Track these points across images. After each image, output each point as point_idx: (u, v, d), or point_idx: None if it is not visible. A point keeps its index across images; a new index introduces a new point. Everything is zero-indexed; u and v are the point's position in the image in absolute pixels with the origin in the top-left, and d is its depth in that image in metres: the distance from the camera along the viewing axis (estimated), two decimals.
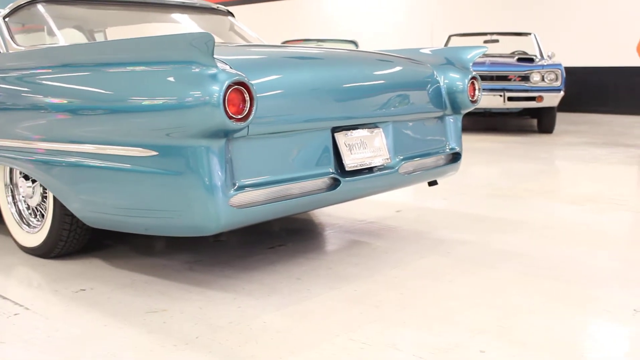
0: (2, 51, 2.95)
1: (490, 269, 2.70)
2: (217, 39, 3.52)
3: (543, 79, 7.88)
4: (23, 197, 2.95)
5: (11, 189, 3.00)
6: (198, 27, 3.81)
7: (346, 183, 2.57)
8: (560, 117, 10.35)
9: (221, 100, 2.03)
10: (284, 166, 2.41)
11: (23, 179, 2.92)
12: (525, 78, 7.90)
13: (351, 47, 9.73)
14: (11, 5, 3.04)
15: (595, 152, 6.37)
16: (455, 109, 3.15)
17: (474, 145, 7.03)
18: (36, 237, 2.84)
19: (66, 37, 3.08)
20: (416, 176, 2.94)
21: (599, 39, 11.50)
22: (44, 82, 2.55)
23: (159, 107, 2.12)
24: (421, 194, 4.29)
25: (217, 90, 2.03)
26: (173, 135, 2.13)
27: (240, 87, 2.10)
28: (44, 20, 3.12)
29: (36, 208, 2.91)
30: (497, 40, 9.22)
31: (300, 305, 2.30)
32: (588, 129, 8.80)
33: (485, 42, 9.09)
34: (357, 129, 2.70)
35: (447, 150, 3.17)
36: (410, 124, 2.97)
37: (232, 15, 3.99)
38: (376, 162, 2.73)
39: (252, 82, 2.16)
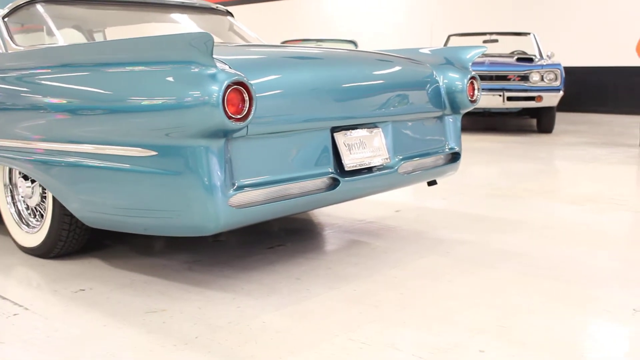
0: (1, 51, 2.95)
1: (489, 268, 2.70)
2: (217, 39, 3.52)
3: (542, 79, 7.88)
4: (22, 197, 2.95)
5: (10, 189, 3.00)
6: (197, 27, 3.81)
7: (345, 183, 2.57)
8: (559, 117, 10.35)
9: (220, 100, 2.03)
10: (283, 166, 2.41)
11: (22, 179, 2.92)
12: (525, 78, 7.90)
13: (350, 47, 9.73)
14: (10, 5, 3.04)
15: (594, 152, 6.37)
16: (455, 108, 3.15)
17: (474, 145, 7.03)
18: (35, 237, 2.84)
19: (65, 37, 3.08)
20: (415, 176, 2.94)
21: (599, 39, 11.51)
22: (43, 82, 2.55)
23: (158, 107, 2.12)
24: (420, 193, 4.29)
25: (216, 90, 2.03)
26: (172, 135, 2.13)
27: (239, 87, 2.10)
28: (43, 20, 3.11)
29: (35, 208, 2.90)
30: (496, 40, 9.23)
31: (299, 305, 2.30)
32: (587, 129, 8.81)
33: (485, 42, 9.10)
34: (357, 128, 2.70)
35: (447, 150, 3.17)
36: (410, 123, 2.97)
37: (232, 15, 3.99)
38: (375, 162, 2.73)
39: (252, 82, 2.16)
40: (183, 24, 3.77)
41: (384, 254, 2.91)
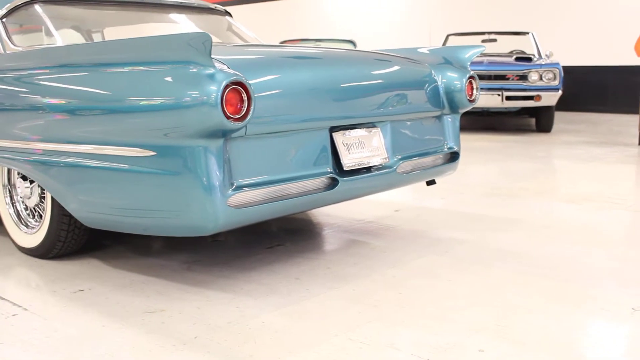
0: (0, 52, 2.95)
1: (488, 268, 2.70)
2: (215, 39, 3.52)
3: (541, 78, 7.89)
4: (21, 197, 2.95)
5: (9, 190, 3.00)
6: (196, 27, 3.80)
7: (344, 183, 2.58)
8: (558, 116, 10.36)
9: (219, 100, 2.03)
10: (282, 166, 2.41)
11: (21, 180, 2.92)
12: (523, 77, 7.91)
13: (349, 46, 9.74)
14: (8, 6, 3.04)
15: (593, 151, 6.38)
16: (453, 108, 3.16)
17: (472, 144, 7.04)
18: (34, 237, 2.84)
19: (64, 37, 3.08)
20: (414, 175, 2.94)
21: (597, 38, 11.51)
22: (41, 82, 2.55)
23: (157, 107, 2.12)
24: (419, 193, 4.29)
25: (214, 90, 2.03)
26: (171, 135, 2.13)
27: (237, 87, 2.09)
28: (41, 20, 3.11)
29: (34, 209, 2.90)
30: (495, 40, 9.23)
31: (298, 305, 2.30)
32: (586, 128, 8.81)
33: (483, 41, 9.10)
34: (355, 128, 2.70)
35: (445, 149, 3.17)
36: (408, 123, 2.98)
37: (230, 15, 3.99)
38: (374, 161, 2.73)
39: (250, 81, 2.16)
40: (181, 24, 3.77)
41: (383, 253, 2.91)
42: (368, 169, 2.71)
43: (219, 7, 3.93)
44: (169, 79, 2.11)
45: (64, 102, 2.42)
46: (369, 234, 3.25)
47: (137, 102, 2.17)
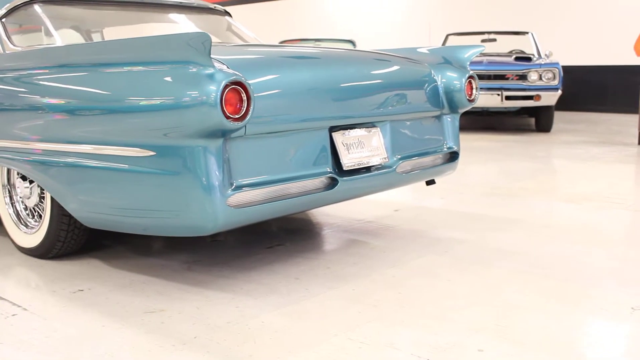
0: None
1: (487, 267, 2.70)
2: (215, 39, 3.52)
3: (541, 78, 7.89)
4: (21, 197, 2.95)
5: (9, 190, 3.00)
6: (195, 27, 3.80)
7: (344, 182, 2.58)
8: (557, 115, 10.36)
9: (218, 100, 2.03)
10: (281, 166, 2.41)
11: (21, 180, 2.92)
12: (523, 77, 7.91)
13: (349, 46, 9.74)
14: (8, 6, 3.04)
15: (592, 151, 6.38)
16: (453, 108, 3.16)
17: (472, 144, 7.04)
18: (34, 237, 2.84)
19: (63, 37, 3.08)
20: (414, 175, 2.94)
21: (597, 38, 11.52)
22: (41, 82, 2.55)
23: (156, 107, 2.12)
24: (419, 193, 4.29)
25: (214, 90, 2.03)
26: (170, 135, 2.13)
27: (237, 87, 2.10)
28: (41, 20, 3.11)
29: (34, 209, 2.90)
30: (494, 39, 9.24)
31: (298, 304, 2.30)
32: (585, 128, 8.81)
33: (483, 41, 9.10)
34: (355, 128, 2.70)
35: (445, 149, 3.17)
36: (408, 123, 2.98)
37: (230, 15, 3.99)
38: (374, 161, 2.73)
39: (250, 81, 2.16)
40: (181, 24, 3.77)
41: (383, 253, 2.91)
42: (368, 169, 2.71)
43: (219, 7, 3.93)
44: (168, 79, 2.11)
45: (63, 102, 2.42)
46: (369, 233, 3.25)
47: (136, 102, 2.17)
